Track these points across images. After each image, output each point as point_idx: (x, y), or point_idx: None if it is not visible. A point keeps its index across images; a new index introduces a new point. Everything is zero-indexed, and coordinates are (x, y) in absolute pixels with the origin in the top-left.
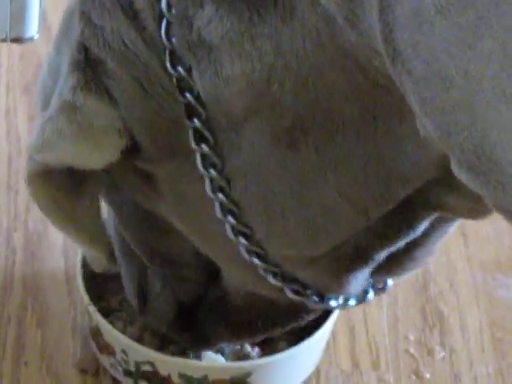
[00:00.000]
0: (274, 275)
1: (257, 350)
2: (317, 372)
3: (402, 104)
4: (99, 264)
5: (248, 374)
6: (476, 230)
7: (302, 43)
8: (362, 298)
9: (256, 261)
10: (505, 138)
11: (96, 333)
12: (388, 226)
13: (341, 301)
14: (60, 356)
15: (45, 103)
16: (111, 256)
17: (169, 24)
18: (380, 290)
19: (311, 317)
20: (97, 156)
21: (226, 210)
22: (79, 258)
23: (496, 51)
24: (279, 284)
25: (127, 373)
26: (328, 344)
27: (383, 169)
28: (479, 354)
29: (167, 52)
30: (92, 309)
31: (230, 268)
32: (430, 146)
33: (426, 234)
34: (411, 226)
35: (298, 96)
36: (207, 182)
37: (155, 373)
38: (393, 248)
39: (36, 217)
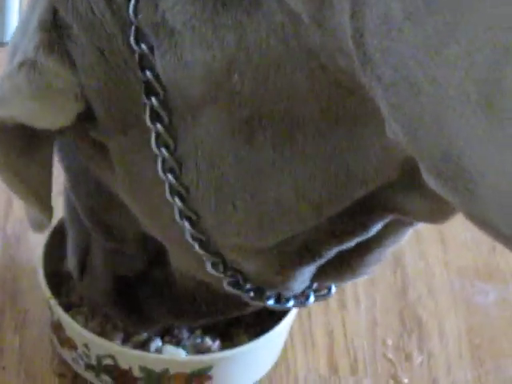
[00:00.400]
0: (214, 264)
1: (218, 343)
2: (295, 377)
3: (366, 106)
4: (39, 226)
5: (209, 368)
6: (454, 236)
7: (265, 38)
8: (302, 302)
9: (197, 247)
10: (471, 144)
11: (57, 327)
12: (340, 224)
13: (279, 300)
14: (38, 360)
15: (12, 59)
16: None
17: (137, 0)
18: (322, 296)
19: (255, 308)
20: (52, 117)
21: (174, 192)
22: (40, 253)
23: (462, 58)
24: (217, 274)
25: (89, 367)
26: (306, 348)
27: (342, 169)
28: (457, 360)
29: (133, 27)
30: (53, 302)
31: (175, 250)
32: (394, 149)
33: (379, 238)
34: (365, 226)
35: (257, 90)
36: (159, 161)
37: (116, 366)
38: (343, 247)
39: (15, 220)
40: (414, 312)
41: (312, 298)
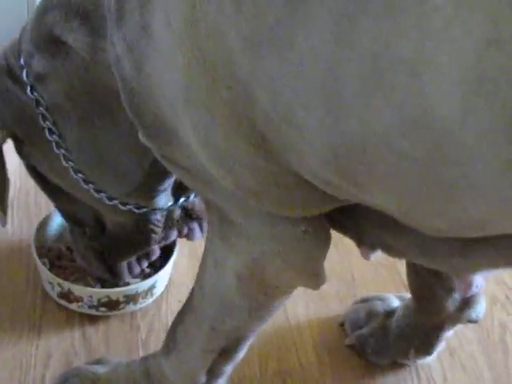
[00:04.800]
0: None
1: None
2: None
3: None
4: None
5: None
6: None
7: (77, 71)
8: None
9: (104, 197)
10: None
11: (66, 294)
12: (159, 170)
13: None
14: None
15: None
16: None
17: (23, 68)
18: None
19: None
20: None
21: (75, 171)
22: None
23: None
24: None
25: (91, 306)
26: None
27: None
28: None
29: (28, 86)
30: (61, 281)
31: (98, 207)
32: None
33: None
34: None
35: (91, 97)
36: (61, 156)
37: (110, 301)
38: (169, 183)
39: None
40: None
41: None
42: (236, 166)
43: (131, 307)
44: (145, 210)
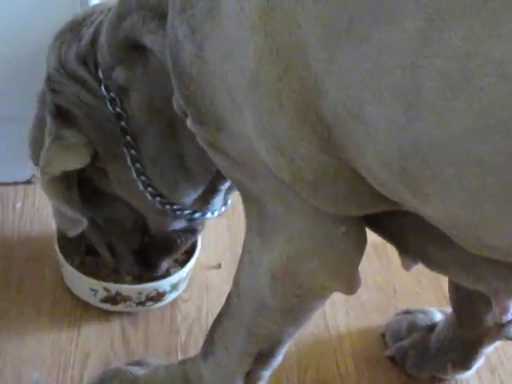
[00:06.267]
0: (179, 211)
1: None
2: None
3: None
4: (74, 227)
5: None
6: None
7: (157, 77)
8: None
9: (168, 207)
10: None
11: (113, 296)
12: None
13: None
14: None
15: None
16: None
17: (102, 82)
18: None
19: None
20: (79, 160)
21: (145, 186)
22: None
23: None
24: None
25: (139, 303)
26: None
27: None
28: None
29: (107, 100)
30: (109, 285)
31: (153, 216)
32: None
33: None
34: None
35: (168, 105)
36: (133, 170)
37: (157, 293)
38: (229, 182)
39: None
40: None
41: (224, 208)
42: (296, 156)
43: (172, 296)
44: (198, 214)
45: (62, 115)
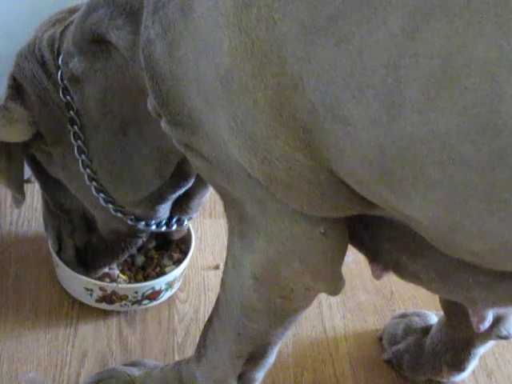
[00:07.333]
0: (117, 211)
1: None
2: None
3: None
4: (18, 203)
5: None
6: None
7: (116, 74)
8: (168, 225)
9: (110, 206)
10: None
11: (108, 296)
12: (174, 180)
13: (159, 225)
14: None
15: None
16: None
17: (60, 69)
18: (179, 223)
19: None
20: (19, 135)
21: (90, 179)
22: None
23: None
24: (121, 216)
25: (135, 302)
26: None
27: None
28: None
29: (60, 88)
30: (105, 284)
31: (98, 213)
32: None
33: (196, 189)
34: (186, 179)
35: (123, 103)
36: (80, 162)
37: (153, 291)
38: (177, 194)
39: None
40: None
41: (174, 226)
42: (271, 156)
43: (168, 294)
44: (142, 223)
45: (15, 88)
